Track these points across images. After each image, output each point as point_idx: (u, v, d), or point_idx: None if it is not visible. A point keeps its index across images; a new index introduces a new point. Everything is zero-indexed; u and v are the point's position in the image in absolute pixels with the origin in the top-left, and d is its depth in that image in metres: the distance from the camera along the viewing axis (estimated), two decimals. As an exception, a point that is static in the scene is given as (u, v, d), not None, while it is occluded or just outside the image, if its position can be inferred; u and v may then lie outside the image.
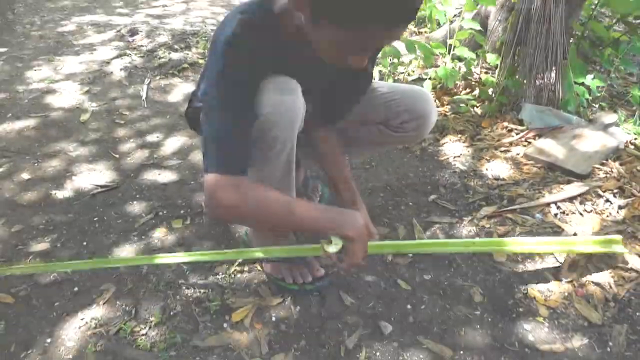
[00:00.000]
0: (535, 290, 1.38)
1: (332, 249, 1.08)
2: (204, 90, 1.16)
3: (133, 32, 3.32)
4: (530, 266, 1.47)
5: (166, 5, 4.13)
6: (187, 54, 2.96)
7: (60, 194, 1.79)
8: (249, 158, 1.09)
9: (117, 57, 2.98)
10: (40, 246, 1.54)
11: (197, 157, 2.02)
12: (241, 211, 1.06)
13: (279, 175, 1.21)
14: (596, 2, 2.39)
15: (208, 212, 1.07)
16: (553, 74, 2.17)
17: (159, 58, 2.91)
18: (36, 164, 1.96)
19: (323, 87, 1.31)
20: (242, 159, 1.07)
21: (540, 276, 1.43)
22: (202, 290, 1.38)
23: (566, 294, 1.37)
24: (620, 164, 1.83)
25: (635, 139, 2.02)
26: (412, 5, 0.86)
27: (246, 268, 1.46)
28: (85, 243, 1.56)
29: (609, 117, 2.12)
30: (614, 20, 2.75)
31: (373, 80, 1.42)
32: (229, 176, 1.04)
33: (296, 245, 1.43)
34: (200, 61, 2.89)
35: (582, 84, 2.30)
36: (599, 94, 2.32)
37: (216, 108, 1.04)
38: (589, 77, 2.31)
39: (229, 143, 1.05)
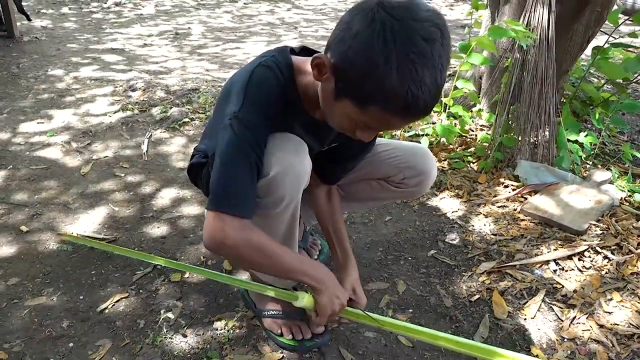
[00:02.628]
0: (538, 348, 1.37)
1: (298, 303, 1.20)
2: (214, 131, 1.17)
3: (133, 87, 3.39)
4: (532, 323, 1.46)
5: (165, 62, 4.25)
6: (189, 108, 3.02)
7: (59, 247, 1.78)
8: (255, 203, 1.10)
9: (118, 111, 3.03)
10: (37, 300, 1.52)
11: (196, 210, 2.03)
12: (240, 251, 1.09)
13: (283, 232, 1.23)
14: (587, 65, 2.48)
15: (208, 245, 1.10)
16: (547, 132, 2.23)
17: (161, 112, 2.97)
18: (35, 216, 1.96)
19: (326, 146, 1.34)
20: (251, 202, 1.09)
21: (542, 334, 1.42)
22: (200, 346, 1.36)
23: (569, 352, 1.35)
24: (616, 221, 1.85)
25: (630, 196, 2.05)
26: (432, 106, 0.92)
27: (244, 323, 1.44)
28: (82, 297, 1.54)
29: (602, 175, 2.16)
30: (602, 82, 2.84)
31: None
32: (236, 217, 1.06)
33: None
34: (202, 116, 2.94)
35: (576, 141, 2.35)
36: (592, 152, 2.37)
37: (230, 147, 1.06)
38: (582, 134, 2.37)
39: (239, 184, 1.06)
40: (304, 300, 1.20)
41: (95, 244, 1.75)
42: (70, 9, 6.79)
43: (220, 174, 1.07)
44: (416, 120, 0.98)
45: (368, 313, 1.22)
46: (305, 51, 1.22)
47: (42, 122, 2.89)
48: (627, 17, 2.21)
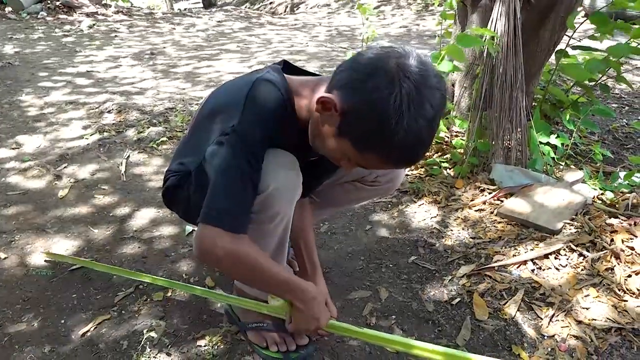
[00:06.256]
0: (519, 347, 1.39)
1: (272, 302, 1.27)
2: (211, 150, 1.17)
3: (109, 108, 3.39)
4: (513, 323, 1.48)
5: (139, 82, 4.24)
6: (166, 127, 3.02)
7: (37, 272, 1.76)
8: (248, 218, 1.12)
9: (95, 133, 3.02)
10: (17, 327, 1.50)
11: (176, 229, 2.02)
12: (229, 265, 1.11)
13: (275, 246, 1.26)
14: (553, 70, 2.55)
15: (198, 256, 1.12)
16: (519, 135, 2.28)
17: (138, 133, 2.96)
18: (13, 242, 1.94)
19: (306, 161, 1.36)
20: (244, 218, 1.10)
21: (523, 333, 1.45)
22: (185, 364, 1.35)
23: (549, 349, 1.38)
24: (589, 219, 1.90)
25: (602, 194, 2.10)
26: (422, 158, 1.04)
27: (229, 339, 1.44)
28: (63, 321, 1.53)
29: (575, 175, 2.21)
30: (571, 84, 2.92)
31: None
32: (228, 232, 1.07)
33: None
34: (179, 134, 2.94)
35: (547, 143, 2.41)
36: (564, 153, 2.43)
37: (227, 163, 1.07)
38: (553, 136, 2.43)
39: (234, 200, 1.08)
40: (278, 303, 1.26)
41: (80, 262, 1.74)
42: (43, 33, 6.75)
43: (215, 188, 1.08)
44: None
45: (347, 325, 1.27)
46: (287, 67, 1.26)
47: (17, 148, 2.86)
48: (584, 19, 2.27)
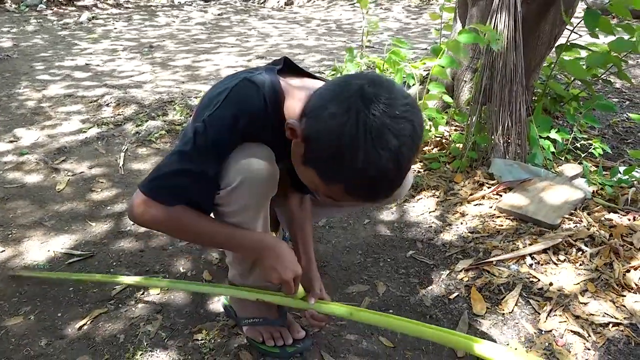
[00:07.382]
0: (517, 341, 1.39)
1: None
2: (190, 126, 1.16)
3: (107, 101, 3.38)
4: (510, 318, 1.48)
5: (137, 76, 4.23)
6: (164, 121, 3.01)
7: (34, 265, 1.76)
8: (180, 195, 1.11)
9: (93, 126, 3.01)
10: (13, 320, 1.50)
11: (174, 222, 2.02)
12: (164, 227, 1.16)
13: None
14: (553, 65, 2.54)
15: (130, 218, 1.15)
16: (518, 129, 2.27)
17: (136, 126, 2.95)
18: (10, 235, 1.93)
19: None
20: (176, 193, 1.10)
21: (520, 327, 1.44)
22: (181, 358, 1.35)
23: (547, 344, 1.38)
24: (588, 214, 1.89)
25: (601, 189, 2.10)
26: (392, 193, 0.99)
27: (226, 333, 1.44)
28: (59, 314, 1.52)
29: (574, 169, 2.20)
30: (572, 78, 2.91)
31: None
32: (163, 205, 1.08)
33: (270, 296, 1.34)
34: (178, 128, 2.93)
35: (547, 138, 2.40)
36: (563, 147, 2.42)
37: (185, 147, 1.08)
38: (553, 131, 2.42)
39: (180, 182, 1.08)
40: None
41: (52, 274, 1.68)
42: (42, 25, 6.73)
43: (167, 163, 1.09)
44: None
45: (341, 304, 1.26)
46: (288, 66, 1.24)
47: (15, 141, 2.85)
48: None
